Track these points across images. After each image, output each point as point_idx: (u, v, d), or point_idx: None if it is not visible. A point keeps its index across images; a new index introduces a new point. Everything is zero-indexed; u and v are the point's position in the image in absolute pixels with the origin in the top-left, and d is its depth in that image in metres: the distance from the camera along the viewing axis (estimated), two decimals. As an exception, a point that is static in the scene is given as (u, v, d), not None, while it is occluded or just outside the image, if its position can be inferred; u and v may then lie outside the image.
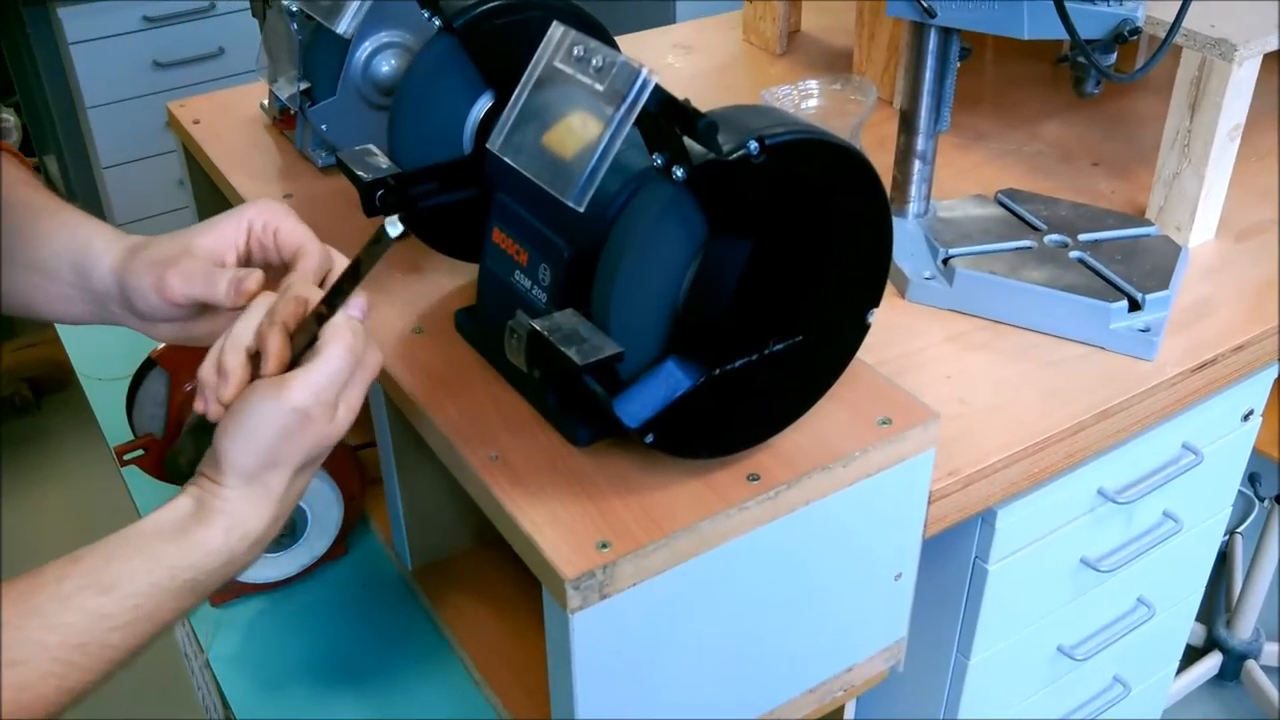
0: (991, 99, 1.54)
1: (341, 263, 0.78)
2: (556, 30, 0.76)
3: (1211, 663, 2.10)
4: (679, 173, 0.69)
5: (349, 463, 1.07)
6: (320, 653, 1.04)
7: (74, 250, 0.81)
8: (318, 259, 0.78)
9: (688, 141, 0.69)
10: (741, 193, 0.72)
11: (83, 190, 2.86)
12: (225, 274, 0.76)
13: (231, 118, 1.30)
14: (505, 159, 0.77)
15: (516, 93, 0.77)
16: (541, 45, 0.76)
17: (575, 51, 0.74)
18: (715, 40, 1.73)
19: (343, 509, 1.06)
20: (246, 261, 0.80)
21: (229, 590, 1.07)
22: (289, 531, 1.03)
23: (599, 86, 0.71)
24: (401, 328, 0.94)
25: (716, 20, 1.80)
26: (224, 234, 0.79)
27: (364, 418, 1.01)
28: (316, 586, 1.10)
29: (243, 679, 1.02)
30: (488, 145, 0.79)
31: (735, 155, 0.69)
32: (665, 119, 0.69)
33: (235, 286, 0.76)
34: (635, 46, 1.68)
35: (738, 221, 0.73)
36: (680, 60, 1.66)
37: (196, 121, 1.29)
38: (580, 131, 0.73)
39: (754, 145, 0.70)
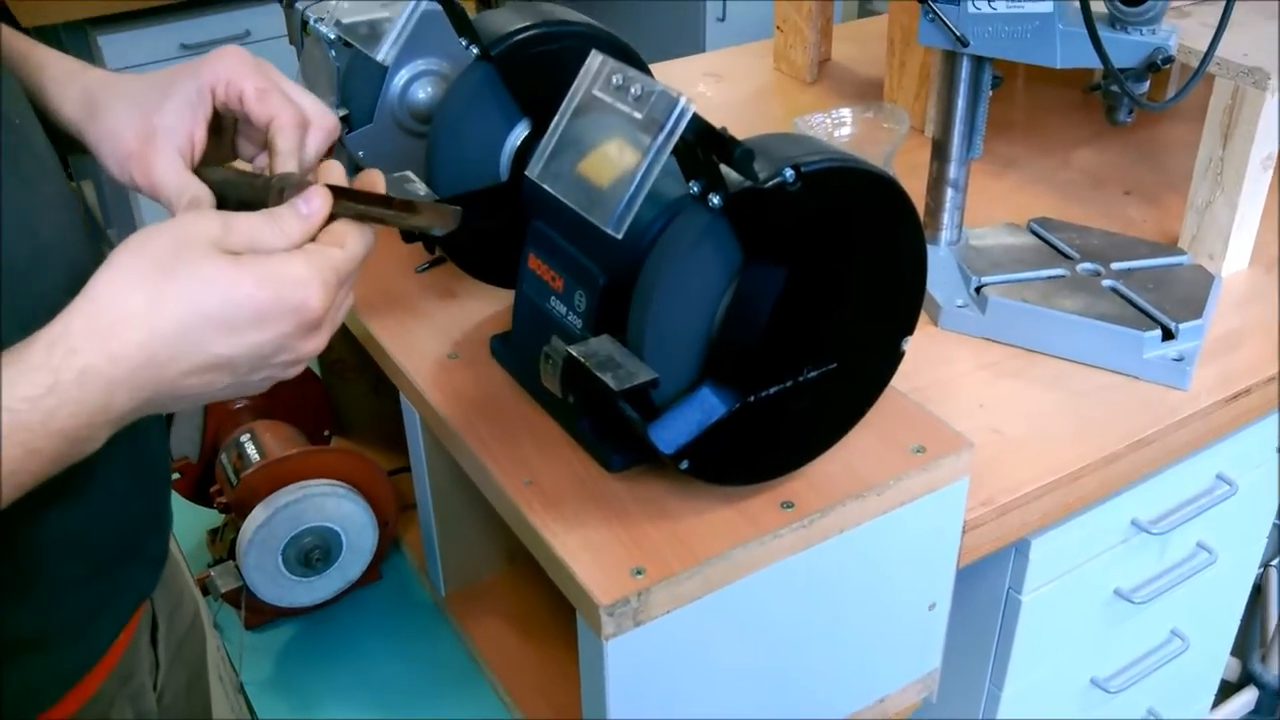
0: (1023, 126, 1.54)
1: (321, 117, 0.74)
2: (595, 59, 0.76)
3: (1247, 698, 2.06)
4: (715, 200, 0.70)
5: (384, 488, 1.08)
6: (353, 677, 1.05)
7: (28, 79, 0.74)
8: (294, 137, 0.72)
9: (724, 169, 0.70)
10: (777, 220, 0.72)
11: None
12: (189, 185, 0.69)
13: (268, 145, 1.31)
14: (544, 186, 0.78)
15: (555, 120, 0.78)
16: (581, 73, 0.77)
17: (614, 80, 0.74)
18: (746, 69, 1.74)
19: (378, 534, 1.06)
20: (216, 126, 0.75)
21: (264, 613, 1.07)
22: (323, 557, 1.03)
23: (638, 115, 0.72)
24: (437, 353, 0.95)
25: (747, 49, 1.81)
26: (184, 112, 0.73)
27: (398, 442, 1.02)
28: (350, 611, 1.10)
29: (277, 702, 1.03)
30: (526, 172, 0.79)
31: (771, 183, 0.70)
32: (702, 147, 0.70)
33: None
34: (665, 75, 1.69)
35: (773, 249, 0.73)
36: (711, 89, 1.67)
37: (234, 148, 1.30)
38: (618, 159, 0.73)
39: (790, 173, 0.70)
